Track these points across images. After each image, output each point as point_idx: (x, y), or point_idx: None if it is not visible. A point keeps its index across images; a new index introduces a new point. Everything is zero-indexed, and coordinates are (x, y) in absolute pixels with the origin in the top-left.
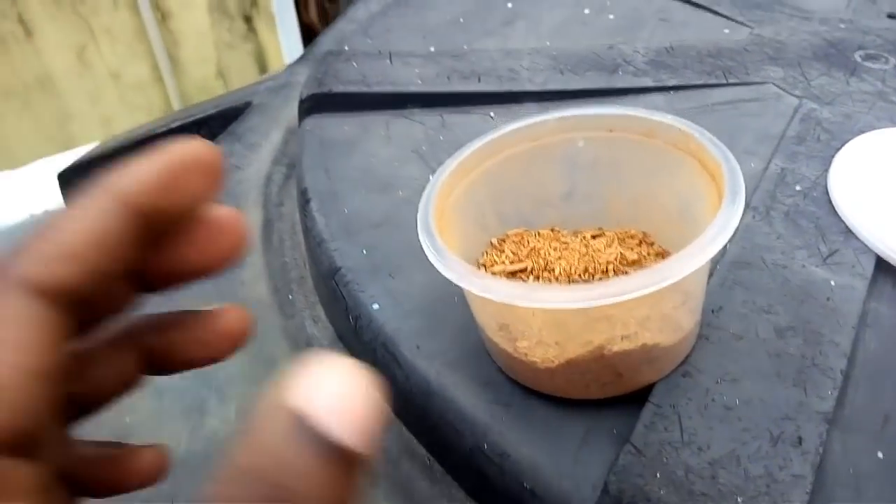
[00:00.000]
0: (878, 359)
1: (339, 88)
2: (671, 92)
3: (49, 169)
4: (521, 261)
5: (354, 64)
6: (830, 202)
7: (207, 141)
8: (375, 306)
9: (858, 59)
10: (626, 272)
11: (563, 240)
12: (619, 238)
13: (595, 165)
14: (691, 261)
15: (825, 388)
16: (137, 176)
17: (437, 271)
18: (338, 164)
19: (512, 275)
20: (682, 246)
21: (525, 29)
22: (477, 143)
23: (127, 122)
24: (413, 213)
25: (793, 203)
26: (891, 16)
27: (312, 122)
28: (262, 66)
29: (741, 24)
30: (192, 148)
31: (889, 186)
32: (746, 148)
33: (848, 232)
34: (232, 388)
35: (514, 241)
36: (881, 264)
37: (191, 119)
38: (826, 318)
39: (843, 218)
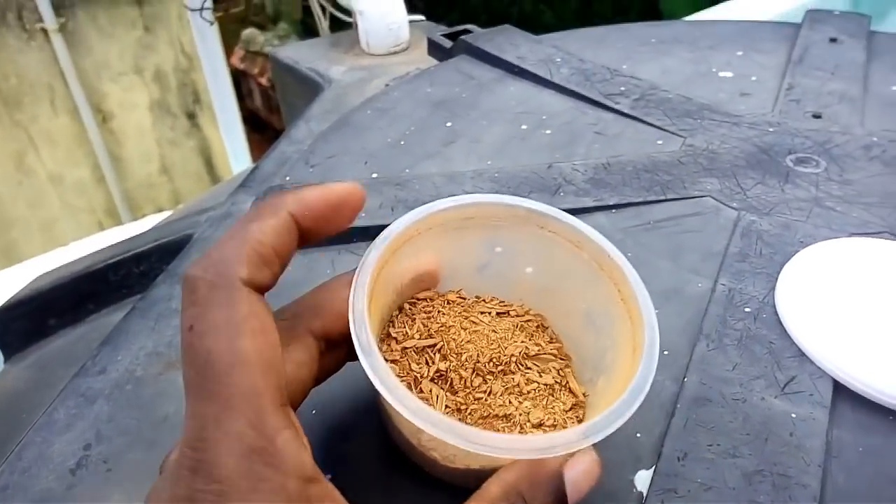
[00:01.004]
0: (847, 493)
1: None
2: (613, 211)
3: None
4: (430, 336)
5: None
6: (781, 323)
7: (356, 184)
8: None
9: (790, 164)
10: (528, 367)
11: (471, 317)
12: (521, 321)
13: (515, 250)
14: (615, 423)
15: None
16: (309, 204)
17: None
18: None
19: (421, 350)
20: (577, 342)
21: (465, 149)
22: (413, 217)
23: (69, 226)
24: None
25: (744, 327)
26: (816, 115)
27: None
28: (207, 161)
29: (673, 133)
30: (347, 189)
31: (835, 305)
32: (692, 267)
33: (802, 356)
34: None
35: (424, 312)
36: (838, 387)
37: (130, 253)
38: (792, 457)
39: (795, 341)
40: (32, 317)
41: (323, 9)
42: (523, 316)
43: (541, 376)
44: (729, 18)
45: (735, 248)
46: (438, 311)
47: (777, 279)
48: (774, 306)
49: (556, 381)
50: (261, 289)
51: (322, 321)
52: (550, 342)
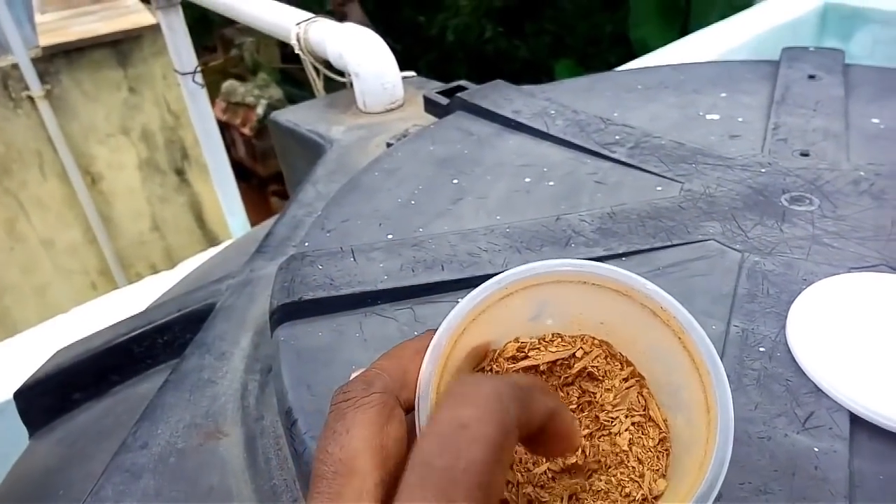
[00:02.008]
0: None
1: (309, 295)
2: (623, 259)
3: None
4: None
5: (320, 266)
6: (795, 361)
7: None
8: None
9: (785, 203)
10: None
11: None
12: (589, 363)
13: (562, 300)
14: None
15: None
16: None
17: None
18: (319, 376)
19: None
20: (647, 369)
21: (474, 205)
22: (473, 303)
23: (62, 289)
24: None
25: (761, 367)
26: (804, 153)
27: (286, 332)
28: (198, 215)
29: (671, 179)
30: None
31: (845, 340)
32: (704, 310)
33: (818, 391)
34: None
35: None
36: (855, 419)
37: (153, 325)
38: (819, 490)
39: (810, 377)
40: (56, 393)
41: (317, 70)
42: (590, 355)
43: (626, 418)
44: (701, 47)
45: (743, 290)
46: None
47: (786, 318)
48: (787, 344)
49: (640, 415)
50: (408, 405)
51: (409, 393)
52: (623, 370)
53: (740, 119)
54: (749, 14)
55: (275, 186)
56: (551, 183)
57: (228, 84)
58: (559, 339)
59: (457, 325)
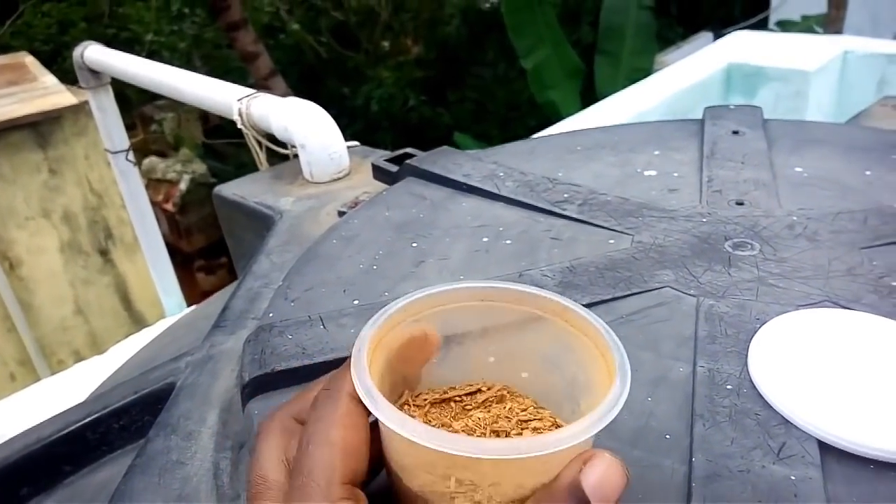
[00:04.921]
0: None
1: (282, 366)
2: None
3: None
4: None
5: (290, 336)
6: (761, 395)
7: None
8: None
9: (729, 249)
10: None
11: (458, 412)
12: (494, 395)
13: (465, 332)
14: (613, 410)
15: None
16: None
17: None
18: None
19: None
20: (547, 386)
21: (436, 267)
22: (369, 331)
23: None
24: None
25: (730, 403)
26: (739, 203)
27: (259, 404)
28: (124, 297)
29: (621, 233)
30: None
31: (803, 372)
32: (670, 353)
33: (786, 422)
34: None
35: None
36: (823, 446)
37: (108, 409)
38: None
39: (777, 410)
40: (2, 490)
41: (259, 143)
42: (493, 388)
43: (540, 423)
44: (616, 109)
45: (703, 332)
46: (427, 414)
47: (747, 355)
48: (751, 380)
49: (552, 423)
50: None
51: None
52: (526, 399)
53: (676, 174)
54: (658, 77)
55: (200, 262)
56: (508, 241)
57: (149, 161)
58: (466, 384)
59: (375, 329)
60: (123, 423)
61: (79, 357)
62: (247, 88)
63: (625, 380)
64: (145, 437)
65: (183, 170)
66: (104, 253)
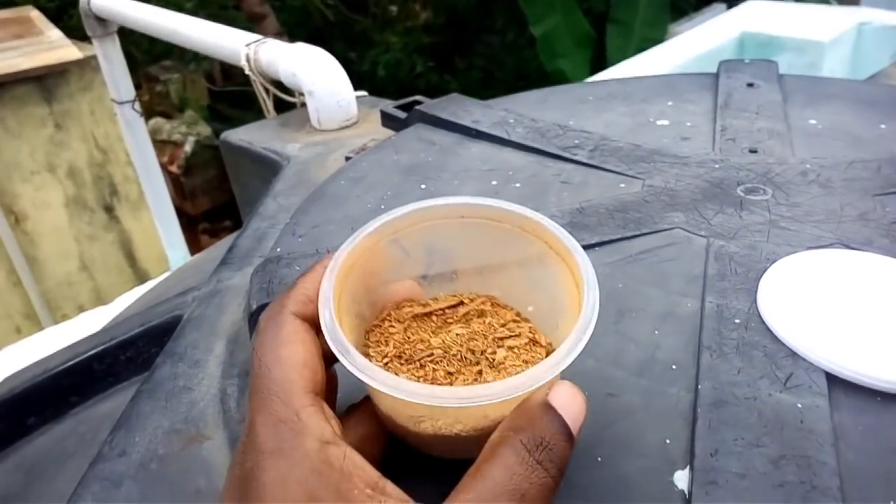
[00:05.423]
0: (859, 468)
1: None
2: (596, 249)
3: None
4: (409, 350)
5: (297, 267)
6: (769, 329)
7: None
8: None
9: (742, 194)
10: (503, 341)
11: (439, 324)
12: (475, 307)
13: (448, 246)
14: (576, 349)
15: None
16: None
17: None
18: None
19: (405, 361)
20: (531, 301)
21: None
22: (342, 252)
23: None
24: None
25: (738, 336)
26: (752, 150)
27: None
28: (129, 253)
29: (632, 177)
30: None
31: (812, 308)
32: (679, 290)
33: (794, 354)
34: None
35: (397, 332)
36: (831, 377)
37: (114, 342)
38: (807, 441)
39: (785, 343)
40: (8, 419)
41: (266, 91)
42: (475, 301)
43: (516, 341)
44: (626, 76)
45: (713, 270)
46: (407, 329)
47: (756, 292)
48: (759, 315)
49: (529, 340)
50: (309, 318)
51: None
52: (509, 311)
53: (689, 124)
54: (669, 45)
55: (205, 225)
56: (518, 185)
57: (154, 122)
58: (450, 296)
59: (353, 246)
60: (130, 354)
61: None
62: (255, 34)
63: (586, 326)
64: (152, 367)
65: (188, 131)
66: (109, 209)
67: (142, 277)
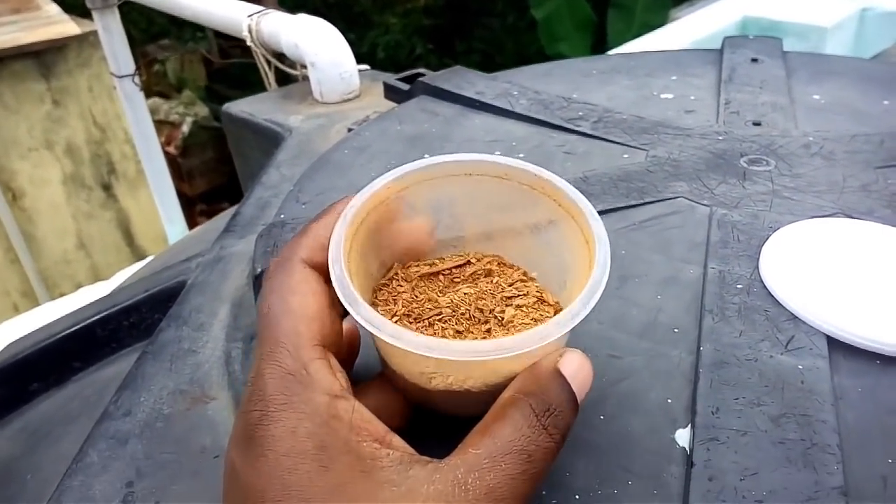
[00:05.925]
0: (858, 428)
1: None
2: (600, 216)
3: None
4: (418, 309)
5: None
6: (771, 294)
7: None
8: None
9: (745, 165)
10: (510, 299)
11: (445, 283)
12: (482, 267)
13: (454, 204)
14: (585, 309)
15: (831, 464)
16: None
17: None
18: None
19: (414, 319)
20: (538, 261)
21: None
22: (353, 206)
23: None
24: None
25: (740, 301)
26: (756, 123)
27: None
28: (126, 232)
29: (636, 148)
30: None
31: (813, 274)
32: (681, 257)
33: (795, 318)
34: None
35: (404, 290)
36: (831, 340)
37: (118, 307)
38: (808, 400)
39: (787, 307)
40: (11, 384)
41: (268, 62)
42: (482, 260)
43: (524, 300)
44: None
45: (715, 238)
46: (414, 288)
47: (758, 259)
48: (762, 281)
49: (537, 299)
50: (319, 267)
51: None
52: (515, 271)
53: (692, 97)
54: (671, 28)
55: (202, 206)
56: (521, 155)
57: (151, 102)
58: (457, 256)
59: (364, 199)
60: (133, 320)
61: None
62: (257, 6)
63: (599, 280)
64: (156, 330)
65: (185, 112)
66: (107, 188)
67: (139, 256)
